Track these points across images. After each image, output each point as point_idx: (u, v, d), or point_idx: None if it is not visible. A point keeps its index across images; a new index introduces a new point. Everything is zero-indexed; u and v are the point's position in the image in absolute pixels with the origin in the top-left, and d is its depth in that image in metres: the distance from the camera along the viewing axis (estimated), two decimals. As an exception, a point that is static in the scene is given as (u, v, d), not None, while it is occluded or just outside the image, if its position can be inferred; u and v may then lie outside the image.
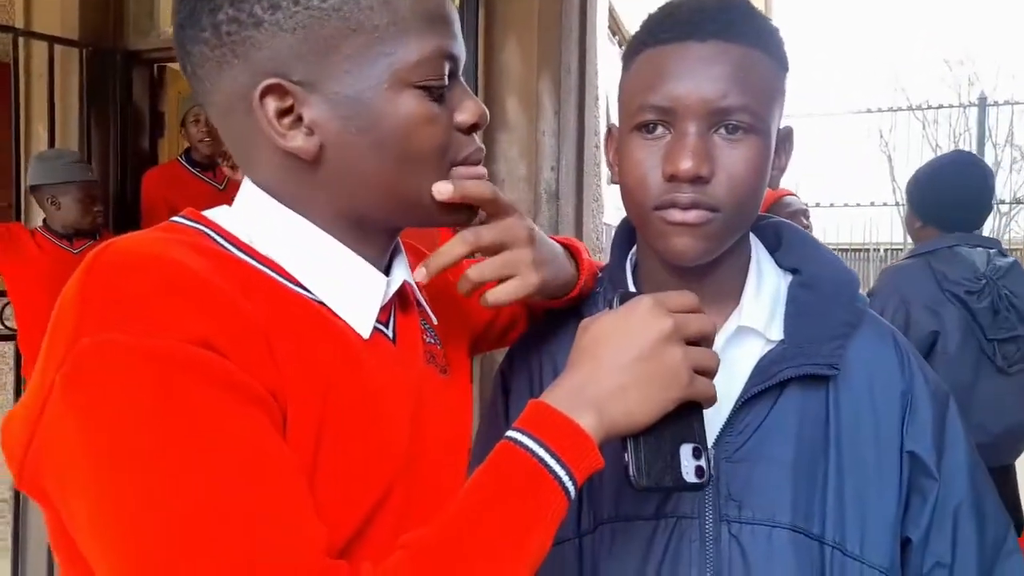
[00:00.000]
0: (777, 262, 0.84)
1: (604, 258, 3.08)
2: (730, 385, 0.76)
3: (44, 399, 0.51)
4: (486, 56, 3.00)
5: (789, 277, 0.83)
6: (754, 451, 0.74)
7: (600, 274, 0.90)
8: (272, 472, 0.52)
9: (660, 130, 0.73)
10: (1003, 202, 13.47)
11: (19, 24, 3.53)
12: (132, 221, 3.14)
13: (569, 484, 0.57)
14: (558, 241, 0.83)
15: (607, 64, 3.89)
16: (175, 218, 0.64)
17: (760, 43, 0.73)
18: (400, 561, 0.54)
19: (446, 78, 0.63)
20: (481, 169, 0.68)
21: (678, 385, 0.61)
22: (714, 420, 0.75)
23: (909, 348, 0.81)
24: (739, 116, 0.71)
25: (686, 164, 0.70)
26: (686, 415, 0.64)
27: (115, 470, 0.48)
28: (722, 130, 0.72)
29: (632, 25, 4.94)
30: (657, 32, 0.75)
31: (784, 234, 0.86)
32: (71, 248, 2.75)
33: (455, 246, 0.69)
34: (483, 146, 0.68)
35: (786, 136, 0.79)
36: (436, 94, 0.62)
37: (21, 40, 3.22)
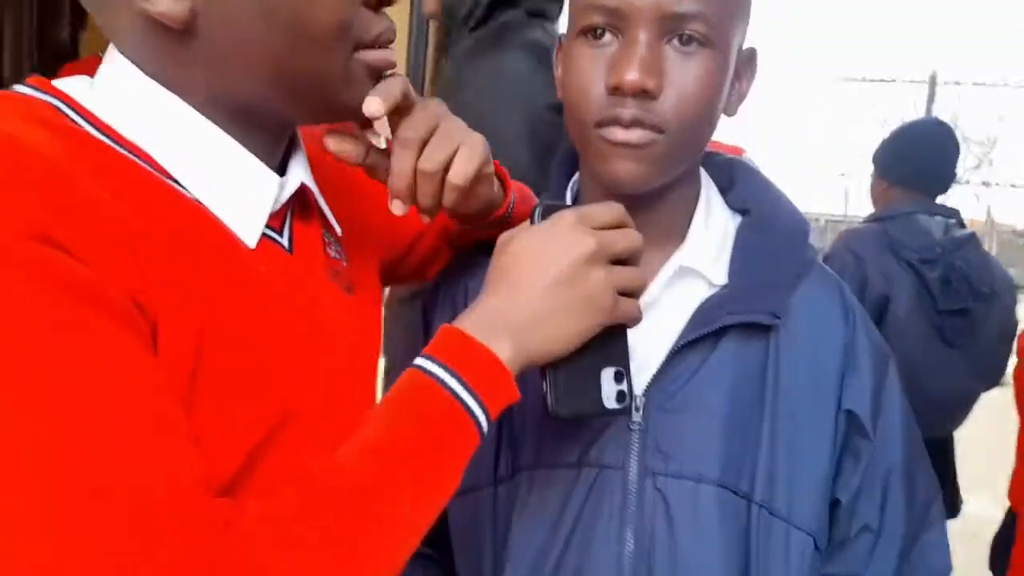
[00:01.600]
0: (728, 203, 0.78)
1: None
2: (668, 329, 0.70)
3: None
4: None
5: (739, 218, 0.77)
6: (687, 401, 0.69)
7: (538, 202, 0.82)
8: (133, 395, 0.44)
9: (608, 36, 0.66)
10: (941, 180, 13.90)
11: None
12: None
13: (482, 418, 0.53)
14: None
15: None
16: (17, 87, 0.53)
17: None
18: (290, 499, 0.48)
19: None
20: (391, 53, 0.58)
21: (601, 310, 0.57)
22: (647, 365, 0.70)
23: (856, 304, 0.77)
24: (695, 25, 0.64)
25: (631, 75, 0.63)
26: (608, 337, 0.60)
27: None
28: (675, 40, 0.64)
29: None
30: None
31: (737, 173, 0.80)
32: None
33: (403, 158, 0.61)
34: (393, 24, 0.58)
35: (749, 58, 0.72)
36: None
37: None
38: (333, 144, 0.61)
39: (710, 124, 0.69)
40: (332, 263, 0.65)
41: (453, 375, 0.52)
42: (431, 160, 0.62)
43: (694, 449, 0.69)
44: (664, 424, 0.69)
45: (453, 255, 0.87)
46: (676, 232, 0.74)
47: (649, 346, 0.69)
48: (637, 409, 0.69)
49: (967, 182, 14.10)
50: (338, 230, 0.67)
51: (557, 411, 0.59)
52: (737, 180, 0.79)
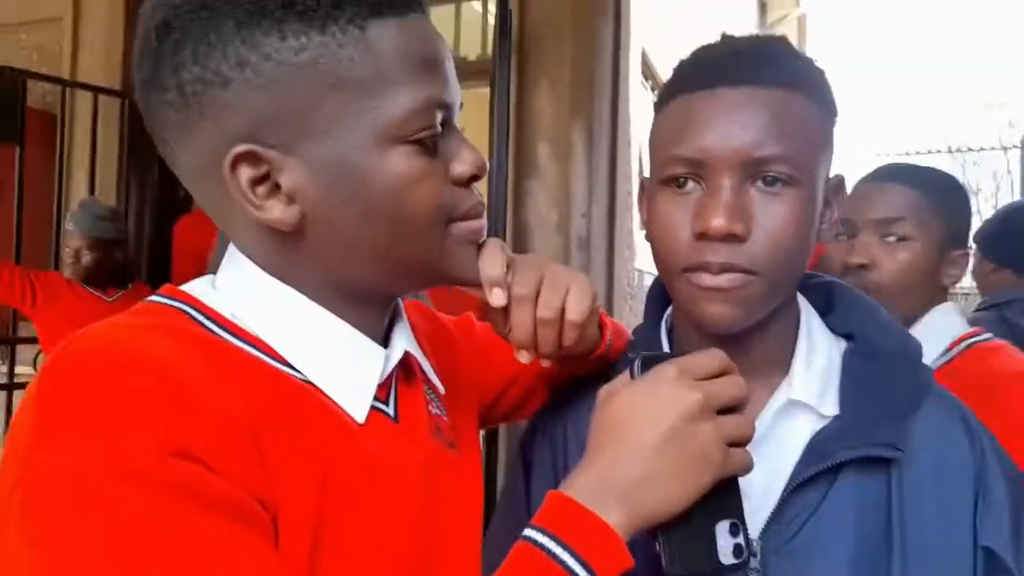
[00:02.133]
0: (829, 327, 0.76)
1: (635, 304, 2.99)
2: (779, 467, 0.68)
3: (2, 519, 0.44)
4: (518, 102, 2.99)
5: (843, 344, 0.75)
6: (807, 545, 0.66)
7: (632, 337, 0.83)
8: None
9: (691, 184, 0.67)
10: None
11: (65, 75, 3.61)
12: (167, 270, 3.15)
13: None
14: None
15: (640, 110, 3.87)
16: (152, 297, 0.58)
17: (800, 86, 0.66)
18: None
19: (438, 127, 0.56)
20: (481, 222, 0.62)
21: (712, 465, 0.55)
22: (762, 507, 0.67)
23: (981, 427, 0.72)
24: (777, 167, 0.64)
25: (718, 221, 0.63)
26: (719, 489, 0.57)
27: None
28: (759, 182, 0.65)
29: (665, 70, 4.94)
30: (687, 78, 0.69)
31: (837, 295, 0.78)
32: (105, 296, 2.75)
33: (522, 311, 0.65)
34: (482, 197, 0.62)
35: (837, 186, 0.72)
36: (428, 147, 0.56)
37: (68, 91, 3.29)
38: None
39: (803, 259, 0.68)
40: (434, 420, 0.66)
41: (565, 548, 0.51)
42: (549, 308, 0.65)
43: None
44: (784, 570, 0.65)
45: (550, 393, 0.87)
46: (779, 362, 0.72)
47: (761, 485, 0.67)
48: (754, 555, 0.66)
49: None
50: (441, 389, 0.69)
51: (672, 571, 0.57)
52: (836, 303, 0.77)
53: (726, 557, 0.57)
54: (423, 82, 0.55)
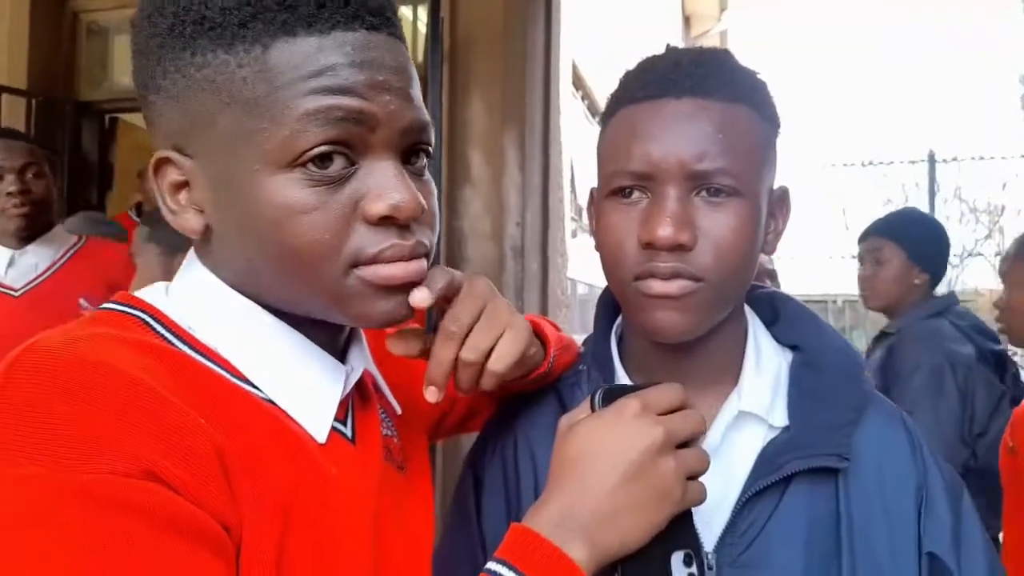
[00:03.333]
0: (775, 337, 0.77)
1: (569, 312, 3.01)
2: (732, 478, 0.68)
3: None
4: (450, 111, 2.97)
5: (789, 354, 0.76)
6: (759, 556, 0.66)
7: (582, 348, 0.82)
8: None
9: (637, 194, 0.67)
10: (954, 254, 13.89)
11: (-34, 74, 3.41)
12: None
13: None
14: None
15: (571, 119, 3.90)
16: (108, 304, 0.55)
17: (743, 98, 0.67)
18: None
19: (339, 157, 0.51)
20: (392, 269, 0.53)
21: (673, 500, 0.57)
22: (716, 519, 0.67)
23: (919, 433, 0.74)
24: (721, 178, 0.65)
25: (664, 231, 0.64)
26: (676, 522, 0.58)
27: None
28: (704, 193, 0.66)
29: (595, 81, 5.00)
30: (632, 89, 0.69)
31: (781, 306, 0.79)
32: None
33: (446, 348, 0.61)
34: (405, 240, 0.53)
35: (781, 197, 0.73)
36: (326, 178, 0.51)
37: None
38: (395, 347, 0.63)
39: (749, 268, 0.69)
40: (386, 441, 0.65)
41: None
42: (474, 350, 0.61)
43: None
44: None
45: (499, 404, 0.85)
46: (728, 371, 0.73)
47: (715, 497, 0.66)
48: (710, 568, 0.66)
49: (979, 254, 14.06)
50: (398, 409, 0.67)
51: None
52: (781, 314, 0.79)
53: None
54: (325, 104, 0.50)
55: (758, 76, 0.71)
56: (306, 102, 0.49)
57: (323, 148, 0.50)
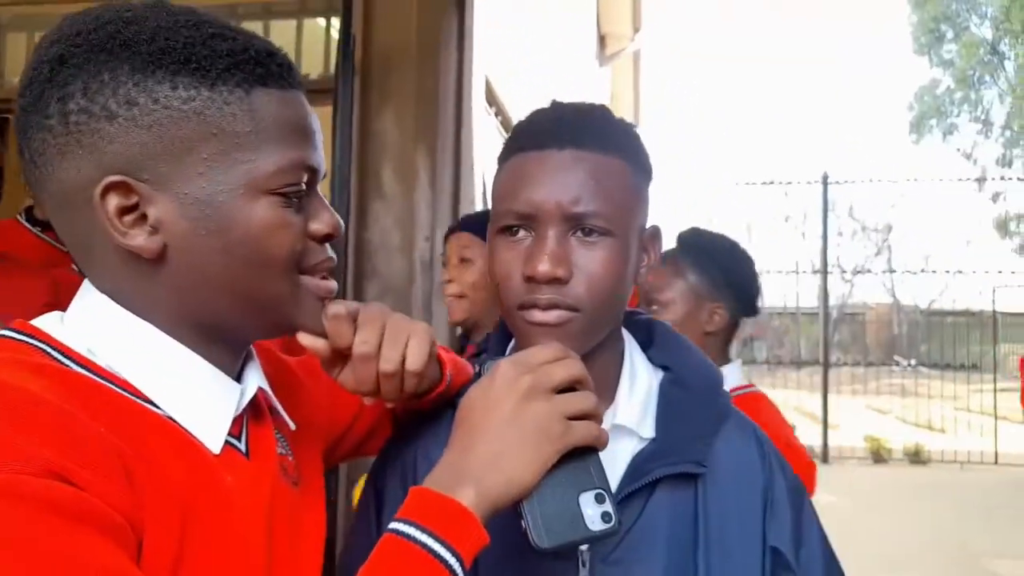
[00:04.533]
0: (649, 358, 0.86)
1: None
2: None
3: None
4: (362, 126, 2.99)
5: (660, 374, 0.85)
6: (628, 554, 0.74)
7: (477, 367, 0.88)
8: None
9: (522, 232, 0.76)
10: (844, 271, 14.69)
11: None
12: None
13: (455, 564, 0.56)
14: None
15: (484, 136, 3.97)
16: (3, 332, 0.59)
17: (619, 150, 0.77)
18: None
19: (303, 187, 0.63)
20: (330, 285, 0.67)
21: (552, 438, 0.61)
22: None
23: (771, 445, 0.84)
24: (593, 221, 0.74)
25: (543, 267, 0.72)
26: (579, 462, 0.62)
27: None
28: (579, 233, 0.74)
29: (508, 98, 5.08)
30: (521, 140, 0.78)
31: (656, 331, 0.88)
32: None
33: (365, 368, 0.69)
34: (334, 256, 0.67)
35: (652, 235, 0.82)
36: (292, 202, 0.62)
37: None
38: (307, 340, 0.68)
39: (620, 298, 0.78)
40: (281, 459, 0.70)
41: (422, 530, 0.56)
42: (390, 362, 0.69)
43: None
44: None
45: (397, 425, 0.91)
46: (605, 389, 0.80)
47: None
48: (584, 564, 0.73)
49: (869, 270, 14.91)
50: (292, 426, 0.72)
51: (540, 544, 0.60)
52: (656, 337, 0.87)
53: (595, 524, 0.61)
54: (294, 145, 0.62)
55: (633, 130, 0.81)
56: (289, 146, 0.61)
57: (295, 188, 0.61)
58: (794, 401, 10.11)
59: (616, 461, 0.77)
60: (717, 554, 0.76)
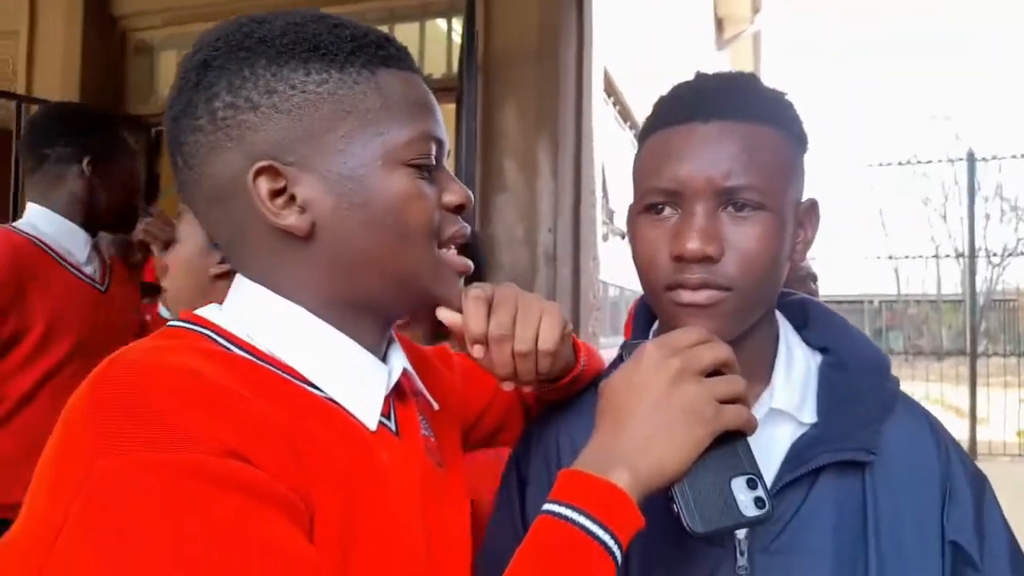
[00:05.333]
0: (805, 340, 0.82)
1: (600, 315, 3.04)
2: (764, 471, 0.72)
3: (56, 529, 0.47)
4: (484, 120, 3.03)
5: (818, 356, 0.81)
6: (791, 543, 0.71)
7: (620, 350, 0.87)
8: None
9: (668, 210, 0.73)
10: (994, 253, 13.63)
11: (21, 90, 3.56)
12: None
13: (614, 546, 0.55)
14: None
15: (603, 126, 3.94)
16: (172, 322, 0.63)
17: (768, 119, 0.73)
18: None
19: (433, 159, 0.65)
20: (466, 262, 0.70)
21: (704, 421, 0.60)
22: None
23: (946, 433, 0.78)
24: (746, 194, 0.70)
25: (692, 244, 0.69)
26: (730, 449, 0.61)
27: None
28: (730, 208, 0.71)
29: (627, 87, 5.03)
30: (663, 115, 0.76)
31: (811, 311, 0.84)
32: None
33: (502, 350, 0.70)
34: (467, 226, 0.69)
35: (809, 209, 0.78)
36: (425, 174, 0.64)
37: (24, 106, 3.24)
38: (446, 315, 0.70)
39: (775, 276, 0.74)
40: (425, 440, 0.71)
41: (580, 512, 0.56)
42: (524, 342, 0.70)
43: None
44: (771, 567, 0.71)
45: (542, 412, 0.90)
46: (760, 374, 0.77)
47: None
48: (742, 553, 0.71)
49: (1021, 253, 13.76)
50: (435, 406, 0.74)
51: (694, 529, 0.59)
52: (811, 318, 0.83)
53: (748, 510, 0.60)
54: (421, 119, 0.65)
55: (783, 97, 0.76)
56: (417, 119, 0.64)
57: (426, 160, 0.64)
58: (936, 394, 9.49)
59: (775, 447, 0.74)
60: (890, 547, 0.71)
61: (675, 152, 0.72)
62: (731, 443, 0.61)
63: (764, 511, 0.60)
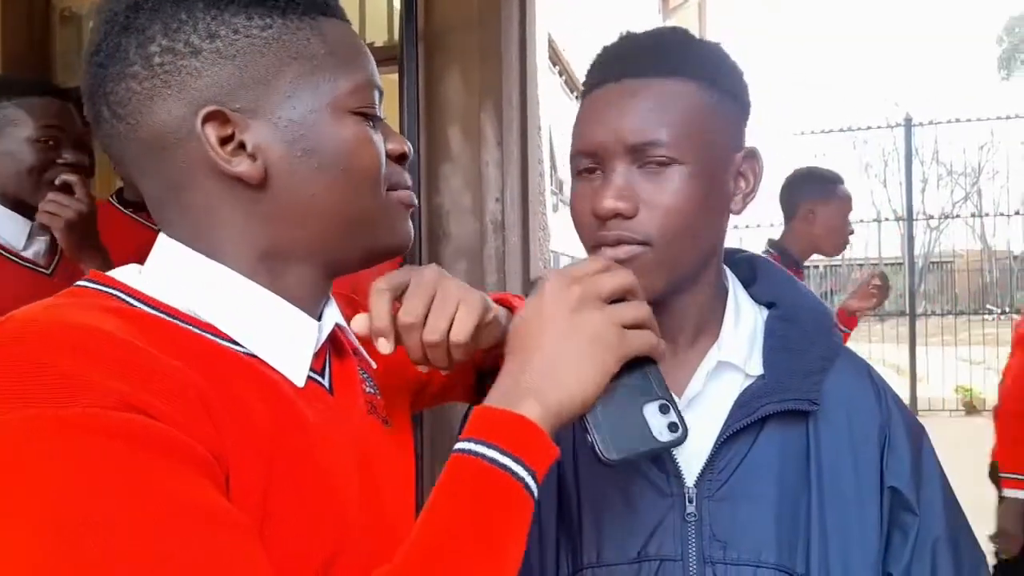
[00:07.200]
0: (752, 296, 0.83)
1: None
2: (711, 421, 0.74)
3: None
4: (427, 88, 2.98)
5: (765, 311, 0.82)
6: (737, 489, 0.72)
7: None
8: (224, 534, 0.47)
9: (597, 173, 0.74)
10: (931, 217, 14.07)
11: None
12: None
13: (529, 479, 0.54)
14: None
15: (549, 95, 3.92)
16: (79, 282, 0.60)
17: (683, 73, 0.72)
18: None
19: (377, 108, 0.65)
20: (411, 193, 0.69)
21: (609, 347, 0.59)
22: (695, 457, 0.73)
23: (885, 384, 0.80)
24: (658, 150, 0.70)
25: (605, 203, 0.71)
26: (640, 375, 0.61)
27: (56, 556, 0.42)
28: (648, 165, 0.71)
29: (572, 54, 5.00)
30: (587, 80, 0.77)
31: (759, 267, 0.85)
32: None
33: (411, 337, 0.66)
34: (410, 177, 0.69)
35: (748, 157, 0.77)
36: (370, 122, 0.64)
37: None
38: (359, 326, 0.67)
39: (702, 230, 0.73)
40: (369, 398, 0.70)
41: (490, 446, 0.54)
42: (434, 332, 0.66)
43: (750, 535, 0.71)
44: (718, 513, 0.72)
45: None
46: (709, 328, 0.78)
47: (696, 439, 0.71)
48: (691, 500, 0.72)
49: (957, 216, 14.23)
50: (373, 364, 0.72)
51: (608, 456, 0.58)
52: (759, 274, 0.84)
53: (662, 435, 0.59)
54: (362, 67, 0.65)
55: (707, 48, 0.76)
56: (359, 68, 0.64)
57: (371, 108, 0.64)
58: (878, 354, 9.80)
59: (723, 398, 0.75)
60: (831, 493, 0.73)
61: (592, 115, 0.74)
62: (641, 370, 0.61)
63: (677, 435, 0.60)
